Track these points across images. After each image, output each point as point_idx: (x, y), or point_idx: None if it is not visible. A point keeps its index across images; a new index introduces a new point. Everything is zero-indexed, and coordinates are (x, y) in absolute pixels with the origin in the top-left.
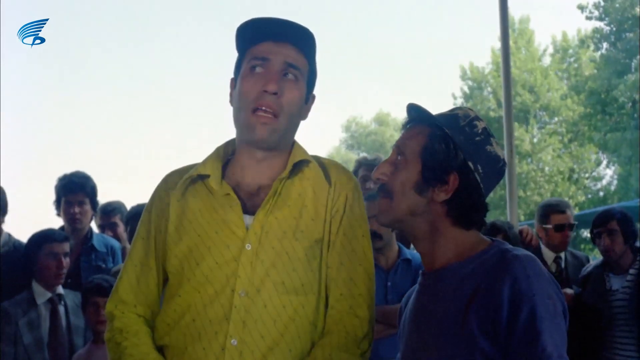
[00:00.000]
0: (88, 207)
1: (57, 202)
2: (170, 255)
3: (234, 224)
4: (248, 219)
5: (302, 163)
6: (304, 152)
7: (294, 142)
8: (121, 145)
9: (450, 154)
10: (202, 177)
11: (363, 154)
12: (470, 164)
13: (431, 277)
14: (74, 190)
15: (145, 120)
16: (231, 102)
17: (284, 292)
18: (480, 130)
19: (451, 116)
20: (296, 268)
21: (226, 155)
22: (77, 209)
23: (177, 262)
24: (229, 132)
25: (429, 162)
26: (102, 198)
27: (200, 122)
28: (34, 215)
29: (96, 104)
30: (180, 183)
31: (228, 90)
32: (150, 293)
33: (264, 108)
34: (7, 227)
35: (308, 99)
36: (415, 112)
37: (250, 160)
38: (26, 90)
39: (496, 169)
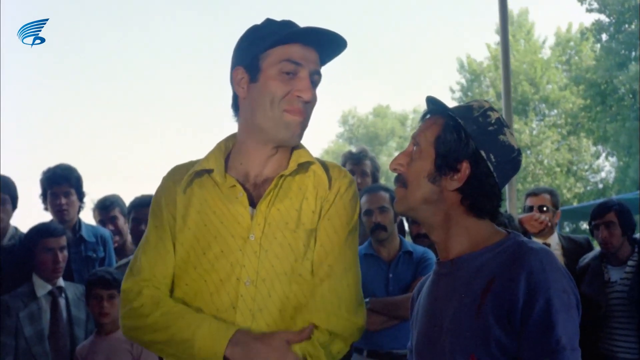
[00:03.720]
0: (74, 197)
1: (44, 196)
2: (177, 244)
3: (240, 214)
4: (252, 211)
5: (307, 164)
6: (309, 154)
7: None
8: (121, 143)
9: (461, 143)
10: (207, 171)
11: (359, 146)
12: (482, 152)
13: (447, 266)
14: (59, 182)
15: (145, 120)
16: (241, 91)
17: (286, 282)
18: (493, 120)
19: (465, 107)
20: (297, 258)
21: (227, 149)
22: (63, 200)
23: (183, 250)
24: (228, 128)
25: (441, 151)
26: (102, 195)
27: (201, 122)
28: (34, 210)
29: (96, 103)
30: (185, 177)
31: (225, 84)
32: (168, 276)
33: (295, 111)
34: (14, 221)
35: None
36: (432, 105)
37: (259, 155)
38: (26, 88)
39: (510, 159)
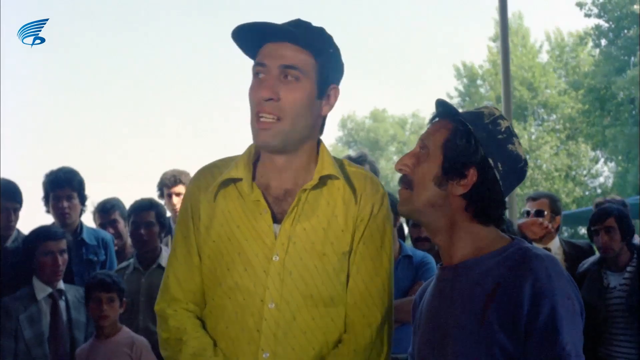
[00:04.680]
0: (76, 201)
1: (46, 199)
2: (203, 256)
3: (264, 232)
4: (277, 227)
5: (332, 177)
6: (332, 164)
7: (320, 148)
8: (120, 142)
9: (470, 148)
10: (234, 180)
11: (359, 150)
12: (490, 160)
13: (450, 271)
14: (62, 185)
15: (144, 120)
16: None
17: (312, 305)
18: (503, 129)
19: (476, 113)
20: (325, 281)
21: (256, 155)
22: (65, 204)
23: (209, 263)
24: (229, 130)
25: (450, 155)
26: (103, 197)
27: (200, 120)
28: (35, 213)
29: (95, 103)
30: (213, 186)
31: (224, 84)
32: (198, 290)
33: (263, 114)
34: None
35: (322, 93)
36: (442, 108)
37: (272, 166)
38: (25, 88)
39: (517, 169)
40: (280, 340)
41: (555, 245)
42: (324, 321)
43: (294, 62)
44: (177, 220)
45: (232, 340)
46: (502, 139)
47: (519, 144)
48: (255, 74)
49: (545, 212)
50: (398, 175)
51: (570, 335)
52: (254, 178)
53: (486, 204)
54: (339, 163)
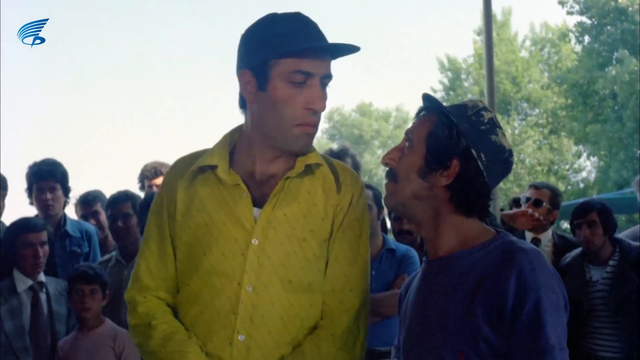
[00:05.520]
0: (60, 193)
1: (29, 190)
2: (178, 242)
3: (243, 216)
4: (257, 211)
5: (315, 165)
6: (318, 155)
7: None
8: (119, 141)
9: (452, 139)
10: (212, 167)
11: (341, 144)
12: (473, 151)
13: (435, 265)
14: (45, 177)
15: (142, 118)
16: (248, 96)
17: (291, 290)
18: (486, 120)
19: (460, 106)
20: (304, 267)
21: (232, 142)
22: (49, 195)
23: (185, 249)
24: (221, 124)
25: (432, 147)
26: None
27: (200, 120)
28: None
29: (92, 101)
30: (188, 173)
31: (227, 85)
32: (170, 278)
33: (307, 125)
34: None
35: None
36: (428, 102)
37: (264, 157)
38: (20, 85)
39: (501, 159)
40: (257, 324)
41: (546, 237)
42: (301, 307)
43: (330, 71)
44: (151, 210)
45: (207, 324)
46: (484, 130)
47: (503, 134)
48: (296, 82)
49: (544, 203)
50: (382, 168)
51: (554, 328)
52: (231, 165)
53: (470, 195)
54: (325, 158)
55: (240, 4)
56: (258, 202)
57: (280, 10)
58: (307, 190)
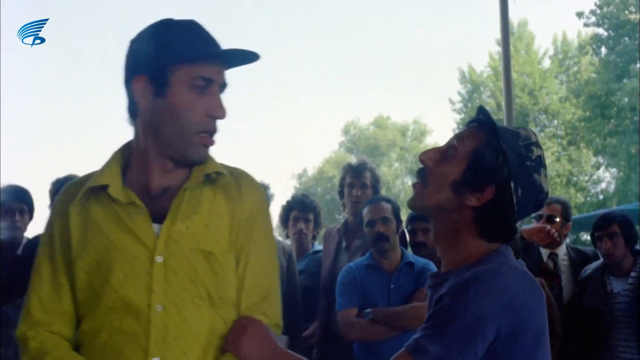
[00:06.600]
0: None
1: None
2: (77, 271)
3: (143, 233)
4: (157, 227)
5: (216, 174)
6: (217, 164)
7: None
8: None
9: (496, 166)
10: (102, 187)
11: (361, 157)
12: (512, 183)
13: (433, 279)
14: None
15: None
16: (143, 102)
17: (203, 306)
18: (534, 157)
19: (513, 132)
20: (213, 280)
21: (124, 160)
22: None
23: (84, 278)
24: (232, 128)
25: (474, 165)
26: None
27: None
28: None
29: (97, 104)
30: (80, 195)
31: (231, 87)
32: (66, 311)
33: (210, 133)
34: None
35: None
36: (483, 115)
37: (160, 168)
38: (27, 88)
39: (535, 199)
40: (171, 345)
41: (562, 251)
42: (215, 323)
43: (225, 79)
44: (41, 240)
45: (117, 351)
46: (529, 166)
47: (545, 176)
48: (197, 87)
49: (557, 218)
50: (400, 181)
51: (439, 340)
52: (124, 183)
53: (494, 223)
54: (224, 166)
55: (242, 7)
56: (157, 218)
57: (301, 21)
58: (208, 200)
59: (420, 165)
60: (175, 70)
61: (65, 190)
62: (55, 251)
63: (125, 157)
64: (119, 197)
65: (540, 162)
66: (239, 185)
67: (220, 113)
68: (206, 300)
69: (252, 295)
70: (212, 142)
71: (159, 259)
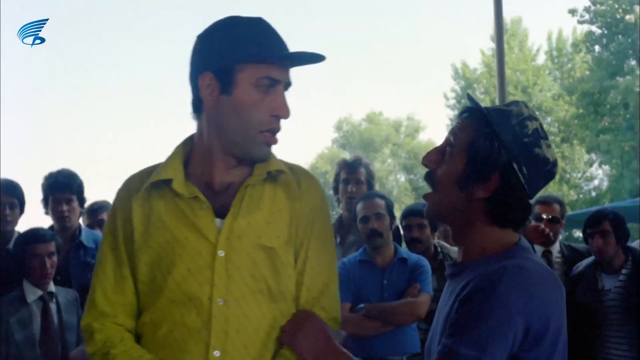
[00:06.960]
0: (76, 204)
1: (45, 201)
2: (139, 264)
3: (206, 228)
4: (219, 222)
5: (277, 172)
6: (279, 161)
7: None
8: (121, 145)
9: (493, 153)
10: (165, 182)
11: (353, 153)
12: (514, 165)
13: (453, 269)
14: (61, 189)
15: (147, 120)
16: (209, 100)
17: (263, 301)
18: (530, 131)
19: (504, 112)
20: (273, 275)
21: (185, 154)
22: (65, 207)
23: (147, 270)
24: None
25: (473, 158)
26: (102, 198)
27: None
28: (33, 214)
29: (97, 104)
30: (142, 190)
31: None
32: (129, 303)
33: (273, 132)
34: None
35: None
36: (472, 103)
37: (223, 164)
38: (23, 87)
39: (544, 171)
40: (232, 338)
41: (555, 249)
42: (274, 317)
43: (290, 79)
44: (104, 232)
45: (178, 343)
46: (528, 142)
47: (548, 145)
48: (262, 86)
49: (558, 218)
50: (392, 177)
51: (470, 340)
52: (187, 176)
53: (507, 208)
54: (285, 163)
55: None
56: (219, 213)
57: (297, 17)
58: (269, 197)
59: (422, 167)
60: (242, 68)
61: (127, 183)
62: (118, 244)
63: (187, 151)
64: (182, 191)
65: (538, 135)
66: (299, 183)
67: (285, 113)
68: (266, 295)
69: (311, 290)
70: (275, 141)
71: (221, 253)
